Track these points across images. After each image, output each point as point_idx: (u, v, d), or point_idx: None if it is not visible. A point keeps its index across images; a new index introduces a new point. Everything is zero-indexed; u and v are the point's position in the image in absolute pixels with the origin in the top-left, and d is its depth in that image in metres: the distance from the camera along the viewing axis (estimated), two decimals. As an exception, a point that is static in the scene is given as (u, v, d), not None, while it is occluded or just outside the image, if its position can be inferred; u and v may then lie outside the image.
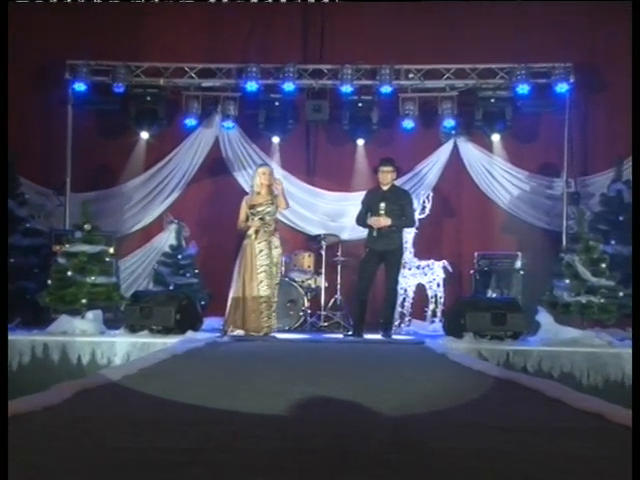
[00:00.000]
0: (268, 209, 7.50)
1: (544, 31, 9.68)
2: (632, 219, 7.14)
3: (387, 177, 7.67)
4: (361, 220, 7.72)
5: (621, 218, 8.85)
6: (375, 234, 7.52)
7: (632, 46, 6.50)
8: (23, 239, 8.90)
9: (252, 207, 7.52)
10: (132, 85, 9.77)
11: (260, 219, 7.46)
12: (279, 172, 9.39)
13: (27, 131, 9.76)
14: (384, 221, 7.45)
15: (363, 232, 7.92)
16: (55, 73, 9.74)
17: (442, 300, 8.81)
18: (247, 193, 8.01)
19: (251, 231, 7.44)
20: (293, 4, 10.06)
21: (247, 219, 7.53)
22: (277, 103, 9.85)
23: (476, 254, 9.35)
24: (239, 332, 7.25)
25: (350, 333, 7.74)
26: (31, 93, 9.74)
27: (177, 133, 10.21)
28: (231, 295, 7.39)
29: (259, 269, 7.33)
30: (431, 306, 8.86)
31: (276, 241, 7.50)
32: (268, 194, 7.55)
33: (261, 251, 7.37)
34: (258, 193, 7.56)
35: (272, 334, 7.34)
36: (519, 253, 9.26)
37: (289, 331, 8.33)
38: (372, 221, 7.52)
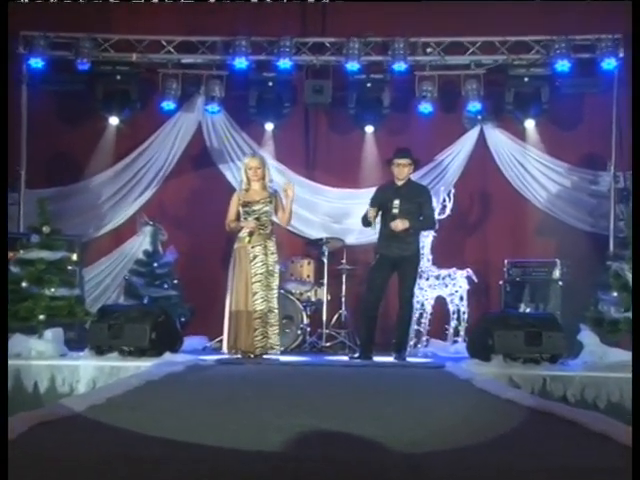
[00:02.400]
0: (265, 208, 7.47)
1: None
2: (632, 219, 7.16)
3: (403, 171, 7.65)
4: (368, 221, 7.70)
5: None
6: (387, 237, 7.52)
7: (632, 46, 6.60)
8: (-31, 244, 8.92)
9: (246, 205, 7.49)
10: (99, 61, 9.81)
11: (256, 219, 7.45)
12: (273, 165, 9.40)
13: (-26, 116, 9.81)
14: (402, 224, 7.43)
15: (372, 235, 7.94)
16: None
17: (466, 316, 8.83)
18: (235, 190, 8.00)
19: (244, 232, 7.41)
20: (290, -34, 10.11)
21: (238, 218, 7.53)
22: (271, 83, 9.88)
23: (506, 262, 9.38)
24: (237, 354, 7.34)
25: (357, 355, 7.76)
26: (-22, 71, 9.77)
27: (153, 118, 10.25)
28: (226, 309, 7.42)
29: (253, 278, 7.33)
30: (453, 323, 8.88)
31: (272, 246, 7.48)
32: (263, 190, 7.54)
33: (256, 257, 7.36)
34: (247, 190, 7.55)
35: (272, 355, 7.36)
36: (557, 260, 9.28)
37: (285, 352, 8.34)
38: (371, 213, 7.50)
